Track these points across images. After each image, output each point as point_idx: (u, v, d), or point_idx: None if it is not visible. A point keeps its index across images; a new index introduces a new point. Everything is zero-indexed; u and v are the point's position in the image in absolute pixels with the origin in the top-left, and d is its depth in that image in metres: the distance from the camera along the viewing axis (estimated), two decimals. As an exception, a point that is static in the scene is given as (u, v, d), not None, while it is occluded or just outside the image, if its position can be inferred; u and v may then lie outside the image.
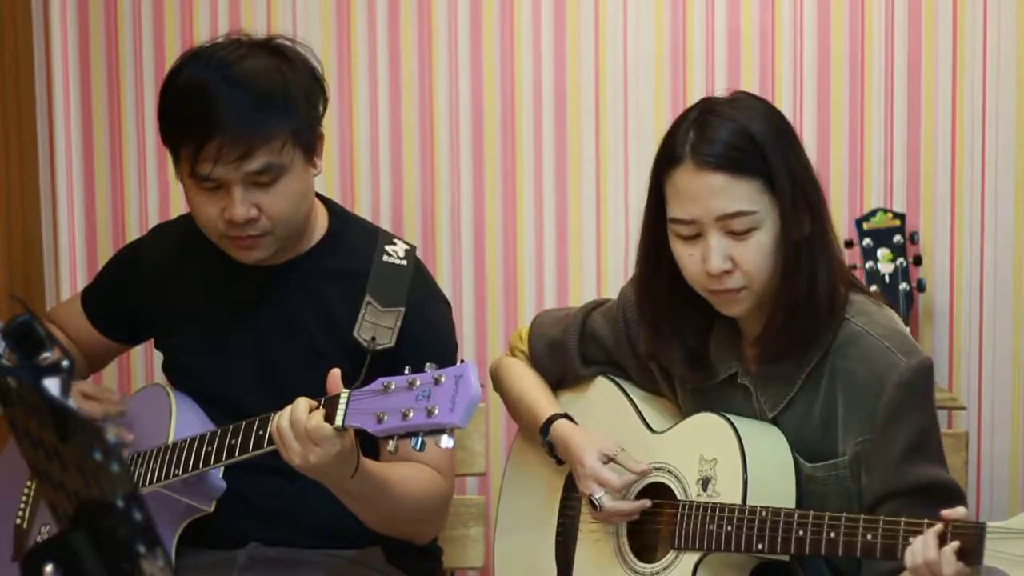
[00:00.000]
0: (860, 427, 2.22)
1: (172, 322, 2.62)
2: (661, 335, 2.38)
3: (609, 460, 2.38)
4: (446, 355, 2.47)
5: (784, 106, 3.19)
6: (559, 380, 2.59)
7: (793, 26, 3.21)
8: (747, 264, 2.22)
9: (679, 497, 2.33)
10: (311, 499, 2.41)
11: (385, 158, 3.32)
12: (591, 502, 2.39)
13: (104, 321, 2.73)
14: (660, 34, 3.23)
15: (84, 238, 3.42)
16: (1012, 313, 3.21)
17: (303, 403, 2.22)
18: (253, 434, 2.30)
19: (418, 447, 2.11)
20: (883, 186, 3.22)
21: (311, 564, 2.49)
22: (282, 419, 2.23)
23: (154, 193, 3.38)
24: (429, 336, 2.46)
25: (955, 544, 2.02)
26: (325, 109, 2.50)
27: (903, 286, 3.07)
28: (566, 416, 2.49)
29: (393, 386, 2.15)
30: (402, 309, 2.47)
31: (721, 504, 2.27)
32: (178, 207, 3.30)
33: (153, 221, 3.28)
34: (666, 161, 2.26)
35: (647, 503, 2.37)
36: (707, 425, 2.34)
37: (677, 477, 2.36)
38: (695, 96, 3.15)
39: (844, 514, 2.16)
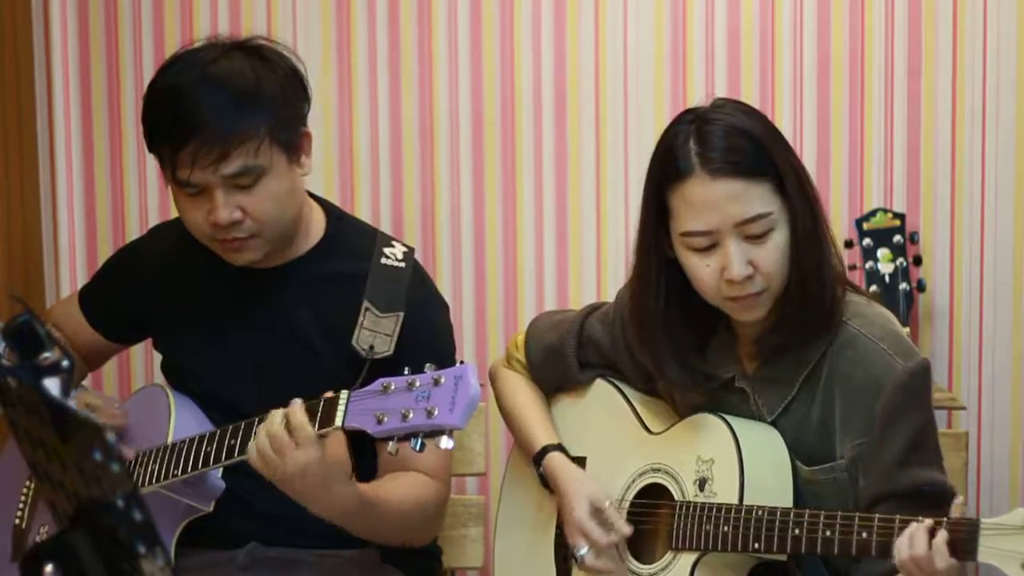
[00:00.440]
0: (857, 430, 2.22)
1: (171, 322, 2.62)
2: (660, 357, 2.37)
3: (597, 511, 2.38)
4: (445, 359, 2.46)
5: (784, 106, 3.19)
6: (557, 387, 2.59)
7: (793, 26, 3.21)
8: (768, 266, 2.22)
9: (676, 498, 2.33)
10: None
11: (385, 158, 3.32)
12: (572, 554, 2.39)
13: (102, 320, 2.73)
14: (660, 34, 3.23)
15: (84, 238, 3.42)
16: (1012, 313, 3.21)
17: (280, 415, 2.23)
18: (253, 435, 2.30)
19: (417, 448, 2.11)
20: (883, 186, 3.22)
21: (310, 564, 2.49)
22: (259, 436, 2.23)
23: (154, 193, 3.38)
24: (428, 340, 2.46)
25: (945, 535, 2.02)
26: (308, 108, 2.49)
27: (903, 286, 3.07)
28: (559, 447, 2.48)
29: (393, 387, 2.15)
30: (401, 313, 2.46)
31: (718, 504, 2.27)
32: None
33: (153, 221, 3.28)
34: (671, 176, 2.24)
35: (625, 569, 2.37)
36: (704, 425, 2.34)
37: (674, 478, 2.36)
38: (695, 96, 3.16)
39: (839, 512, 2.16)
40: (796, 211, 2.23)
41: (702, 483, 2.31)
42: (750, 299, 2.24)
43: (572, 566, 2.48)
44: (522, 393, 2.58)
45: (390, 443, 2.15)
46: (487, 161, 3.30)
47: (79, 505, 1.36)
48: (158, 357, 2.72)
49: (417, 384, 2.13)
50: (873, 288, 3.06)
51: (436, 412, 2.09)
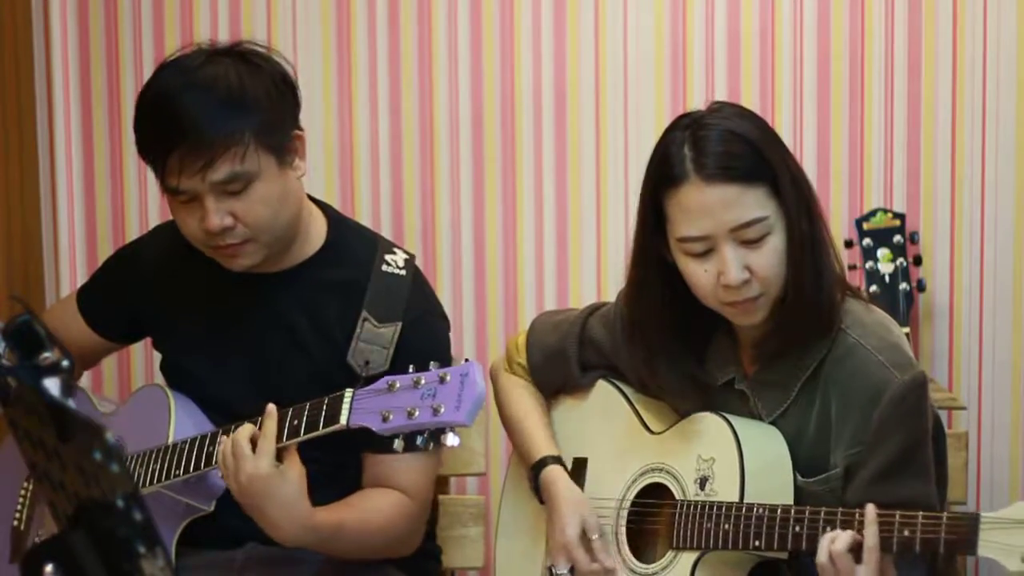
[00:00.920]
0: (851, 440, 2.22)
1: (170, 322, 2.62)
2: (657, 367, 2.37)
3: (586, 538, 2.38)
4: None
5: (784, 106, 3.19)
6: (559, 389, 2.59)
7: (793, 26, 3.21)
8: (764, 270, 2.21)
9: (677, 497, 2.34)
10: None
11: (385, 158, 3.32)
12: (551, 571, 2.40)
13: (100, 319, 2.72)
14: (660, 35, 3.23)
15: (84, 238, 3.42)
16: (1012, 313, 3.20)
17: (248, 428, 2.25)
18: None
19: (423, 445, 2.11)
20: (883, 186, 3.22)
21: (309, 563, 2.49)
22: (225, 441, 2.26)
23: (154, 193, 3.38)
24: (425, 352, 2.44)
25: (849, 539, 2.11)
26: (298, 109, 2.48)
27: (903, 286, 3.07)
28: (557, 459, 2.48)
29: (398, 385, 2.15)
30: (399, 324, 2.46)
31: (718, 502, 2.27)
32: (178, 207, 3.30)
33: (153, 221, 3.28)
34: (666, 182, 2.24)
35: None
36: (704, 425, 2.34)
37: (675, 477, 2.36)
38: (695, 96, 3.16)
39: (840, 510, 2.16)
40: (792, 215, 2.22)
41: (703, 482, 2.31)
42: (748, 304, 2.24)
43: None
44: (522, 400, 2.58)
45: (395, 441, 2.15)
46: (487, 161, 3.30)
47: (79, 505, 1.35)
48: (158, 357, 2.72)
49: (423, 382, 2.13)
50: (873, 288, 3.06)
51: (442, 410, 2.09)
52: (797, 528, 2.18)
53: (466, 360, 2.16)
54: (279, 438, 2.25)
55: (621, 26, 3.24)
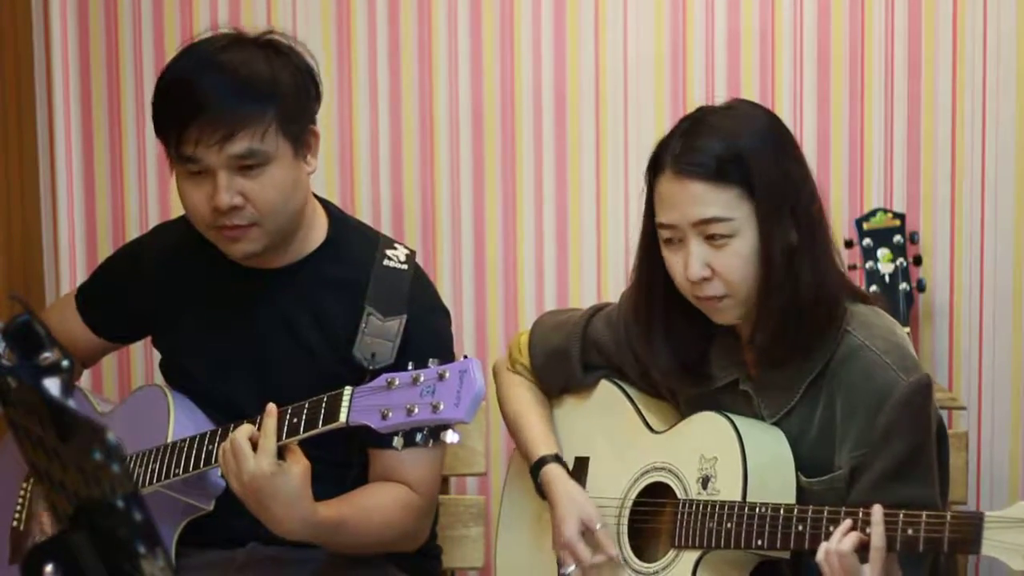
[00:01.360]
0: (856, 441, 2.22)
1: (170, 321, 2.61)
2: (652, 342, 2.38)
3: (588, 531, 2.39)
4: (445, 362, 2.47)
5: (784, 106, 3.19)
6: (561, 389, 2.59)
7: (793, 26, 3.21)
8: (725, 272, 2.23)
9: (679, 496, 2.34)
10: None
11: (385, 158, 3.32)
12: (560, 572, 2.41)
13: (99, 319, 2.72)
14: (660, 35, 3.23)
15: (84, 238, 3.42)
16: (1012, 313, 3.20)
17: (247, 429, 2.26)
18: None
19: (423, 442, 2.12)
20: (883, 186, 3.22)
21: (309, 563, 2.49)
22: (225, 441, 2.27)
23: (154, 193, 3.38)
24: (429, 347, 2.45)
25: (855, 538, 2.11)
26: (318, 106, 2.50)
27: (903, 286, 3.07)
28: (556, 458, 2.49)
29: (397, 382, 2.15)
30: (404, 317, 2.46)
31: (721, 501, 2.27)
32: (178, 207, 3.28)
33: (153, 221, 3.28)
34: (653, 168, 2.29)
35: None
36: (707, 424, 2.34)
37: (677, 476, 2.36)
38: (695, 96, 3.16)
39: (843, 509, 2.16)
40: (768, 223, 2.22)
41: (705, 481, 2.31)
42: (712, 302, 2.26)
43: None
44: (523, 399, 2.58)
45: (395, 438, 2.15)
46: (487, 161, 3.30)
47: (79, 505, 1.35)
48: (157, 357, 2.71)
49: (421, 379, 2.13)
50: (873, 288, 3.06)
51: (441, 407, 2.09)
52: (800, 528, 2.18)
53: (465, 357, 2.16)
54: (279, 436, 2.25)
55: (621, 26, 3.24)
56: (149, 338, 2.73)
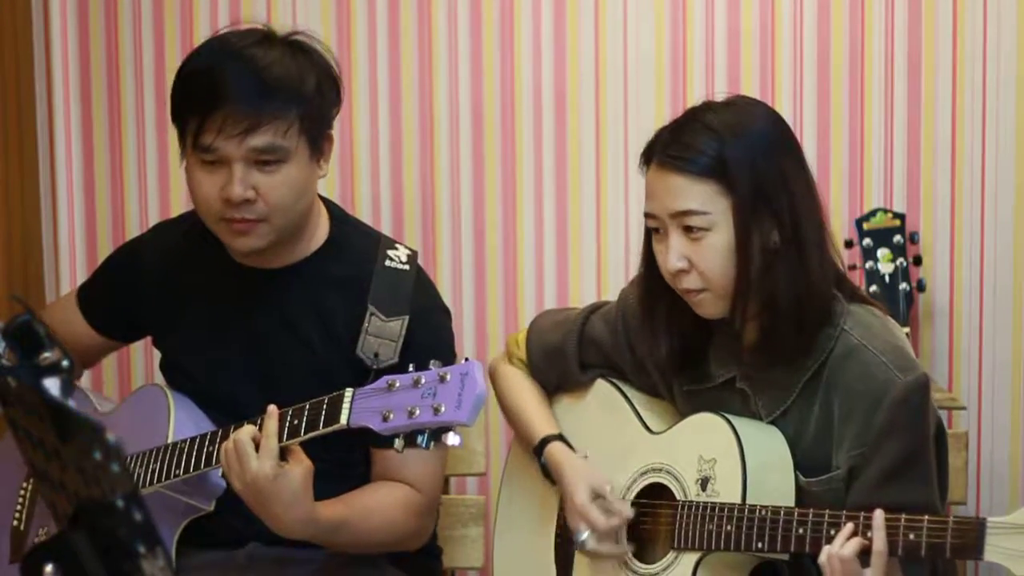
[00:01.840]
0: (854, 441, 2.22)
1: (171, 321, 2.61)
2: (653, 331, 2.39)
3: (598, 496, 2.39)
4: (447, 363, 2.47)
5: (784, 106, 3.19)
6: (557, 386, 2.60)
7: (793, 26, 3.21)
8: (701, 265, 2.24)
9: (678, 497, 2.33)
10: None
11: (385, 158, 3.32)
12: (573, 539, 2.40)
13: (101, 318, 2.72)
14: (660, 34, 3.23)
15: (84, 238, 3.42)
16: (1012, 313, 3.20)
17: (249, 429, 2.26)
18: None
19: (424, 444, 2.12)
20: (883, 186, 3.22)
21: (310, 563, 2.49)
22: (227, 441, 2.27)
23: (154, 193, 3.38)
24: (432, 347, 2.45)
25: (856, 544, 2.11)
26: (338, 111, 2.51)
27: (903, 286, 3.07)
28: (560, 437, 2.49)
29: (398, 384, 2.15)
30: (406, 317, 2.46)
31: (720, 503, 2.27)
32: (178, 207, 3.30)
33: (153, 221, 3.28)
34: (645, 158, 2.31)
35: (627, 550, 2.37)
36: (706, 425, 2.34)
37: (676, 477, 2.36)
38: (695, 96, 3.16)
39: (844, 512, 2.16)
40: (746, 220, 2.22)
41: (704, 482, 2.31)
42: (691, 295, 2.28)
43: (573, 561, 2.48)
44: (522, 387, 2.59)
45: (396, 440, 2.15)
46: (487, 161, 3.30)
47: (79, 505, 1.35)
48: (158, 357, 2.71)
49: (423, 381, 2.13)
50: (873, 288, 3.06)
51: (443, 409, 2.09)
52: (800, 530, 2.18)
53: (466, 359, 2.16)
54: (279, 438, 2.25)
55: (621, 26, 3.24)
56: (149, 338, 2.74)
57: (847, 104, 3.21)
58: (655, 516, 2.39)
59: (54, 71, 3.39)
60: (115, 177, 3.41)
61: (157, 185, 3.37)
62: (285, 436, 2.26)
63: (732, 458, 2.27)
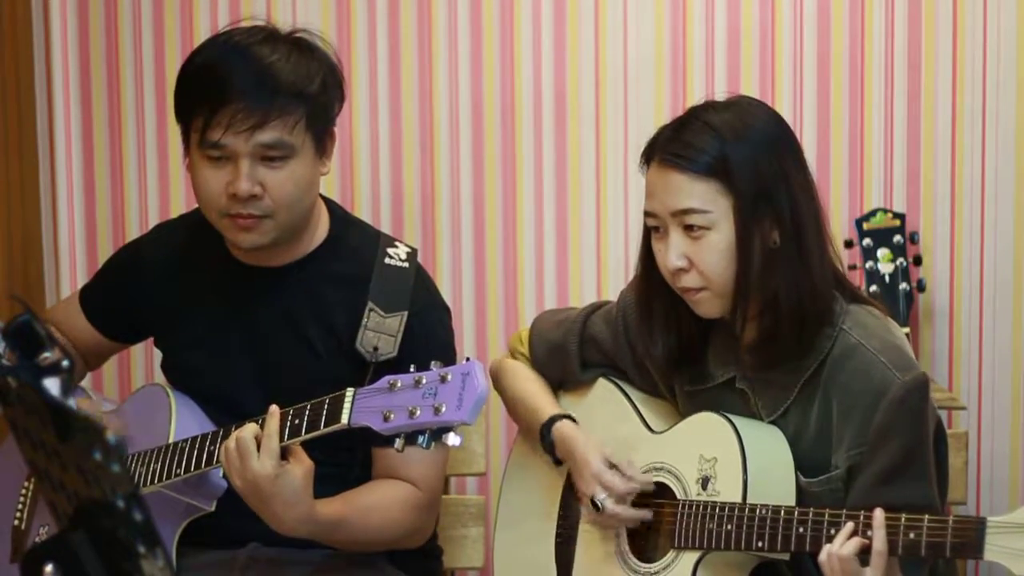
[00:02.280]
0: (853, 440, 2.22)
1: (172, 321, 2.62)
2: (652, 331, 2.39)
3: (612, 466, 2.39)
4: (447, 362, 2.47)
5: (784, 106, 3.19)
6: (559, 383, 2.60)
7: (793, 26, 3.21)
8: (701, 264, 2.24)
9: (679, 496, 2.34)
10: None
11: (385, 157, 3.32)
12: (592, 504, 2.39)
13: (103, 319, 2.73)
14: (660, 34, 3.23)
15: (84, 238, 3.42)
16: (1012, 313, 3.20)
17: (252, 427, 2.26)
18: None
19: (425, 444, 2.12)
20: (883, 186, 3.22)
21: (311, 563, 2.49)
22: (228, 440, 2.27)
23: (154, 193, 3.38)
24: (431, 343, 2.46)
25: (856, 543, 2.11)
26: (340, 108, 2.51)
27: (903, 286, 3.07)
28: (568, 416, 2.49)
29: (399, 384, 2.16)
30: (405, 313, 2.47)
31: (721, 503, 2.27)
32: (178, 207, 3.30)
33: (153, 221, 3.28)
34: (646, 156, 2.31)
35: (648, 514, 2.37)
36: (707, 424, 2.34)
37: (677, 477, 2.36)
38: (695, 96, 3.16)
39: (845, 511, 2.16)
40: (746, 220, 2.22)
41: (705, 482, 2.31)
42: (690, 293, 2.28)
43: (573, 561, 2.48)
44: (528, 377, 2.61)
45: (396, 440, 2.15)
46: (487, 160, 3.30)
47: (79, 505, 1.35)
48: (158, 357, 2.72)
49: (424, 381, 2.13)
50: (873, 288, 3.06)
51: (444, 409, 2.10)
52: (801, 529, 2.18)
53: (467, 359, 2.17)
54: (280, 437, 2.25)
55: (621, 26, 3.24)
56: (150, 339, 2.74)
57: (847, 104, 3.21)
58: (656, 515, 2.39)
59: (54, 71, 3.39)
60: (115, 177, 3.41)
61: (157, 185, 3.37)
62: (286, 435, 2.26)
63: (733, 458, 2.27)
